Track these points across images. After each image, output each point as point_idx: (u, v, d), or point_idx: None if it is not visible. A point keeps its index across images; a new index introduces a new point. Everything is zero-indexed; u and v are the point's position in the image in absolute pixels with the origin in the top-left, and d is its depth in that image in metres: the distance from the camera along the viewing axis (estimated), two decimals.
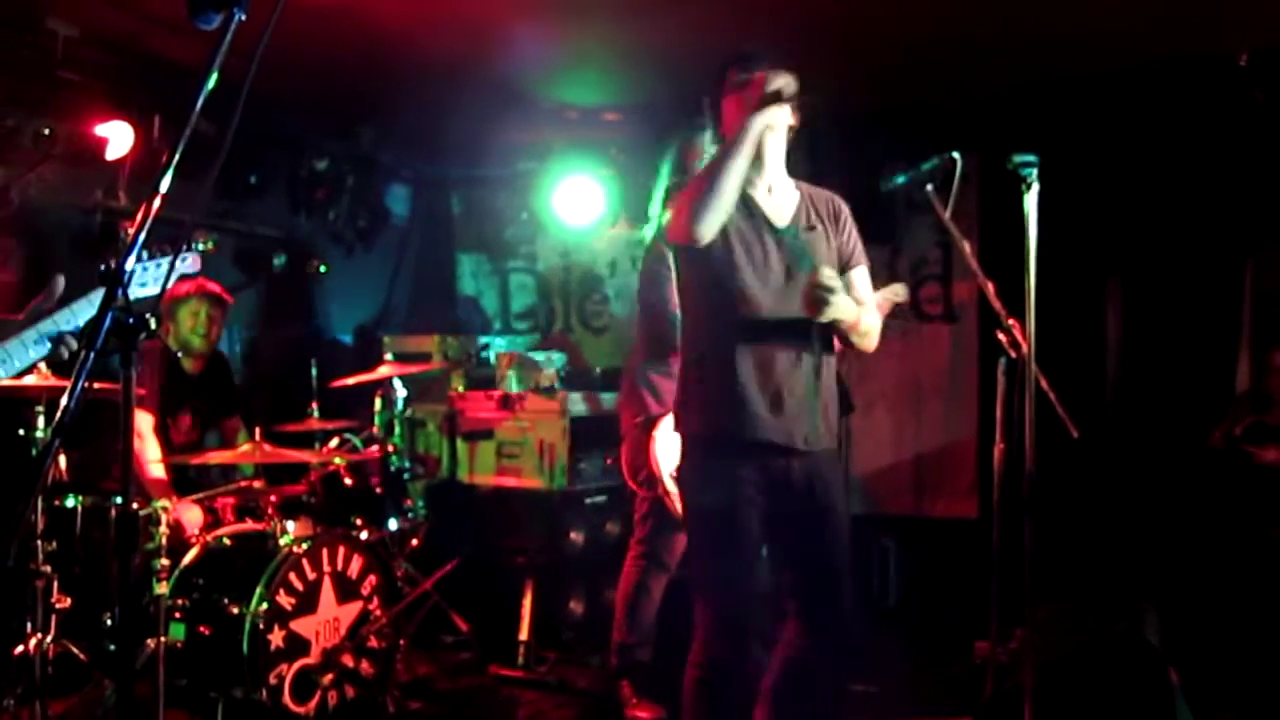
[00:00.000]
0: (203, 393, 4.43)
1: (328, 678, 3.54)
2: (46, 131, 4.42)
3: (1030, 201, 2.72)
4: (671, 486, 3.63)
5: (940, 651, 4.37)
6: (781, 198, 2.79)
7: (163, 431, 4.21)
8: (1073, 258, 2.96)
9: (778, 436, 2.68)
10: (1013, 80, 4.67)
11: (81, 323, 1.97)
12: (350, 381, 4.70)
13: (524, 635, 4.51)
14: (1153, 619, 3.92)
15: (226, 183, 5.21)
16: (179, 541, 3.68)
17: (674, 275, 3.28)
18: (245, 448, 3.91)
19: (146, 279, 2.07)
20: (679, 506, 3.65)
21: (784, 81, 2.58)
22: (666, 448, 3.65)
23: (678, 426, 2.86)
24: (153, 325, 1.62)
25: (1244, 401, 4.71)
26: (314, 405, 4.49)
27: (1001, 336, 3.55)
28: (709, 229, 2.59)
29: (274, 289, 5.80)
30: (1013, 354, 3.53)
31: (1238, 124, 4.52)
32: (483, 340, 5.67)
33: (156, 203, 1.69)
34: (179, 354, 4.33)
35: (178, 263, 2.10)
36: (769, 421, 2.68)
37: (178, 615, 3.49)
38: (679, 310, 3.70)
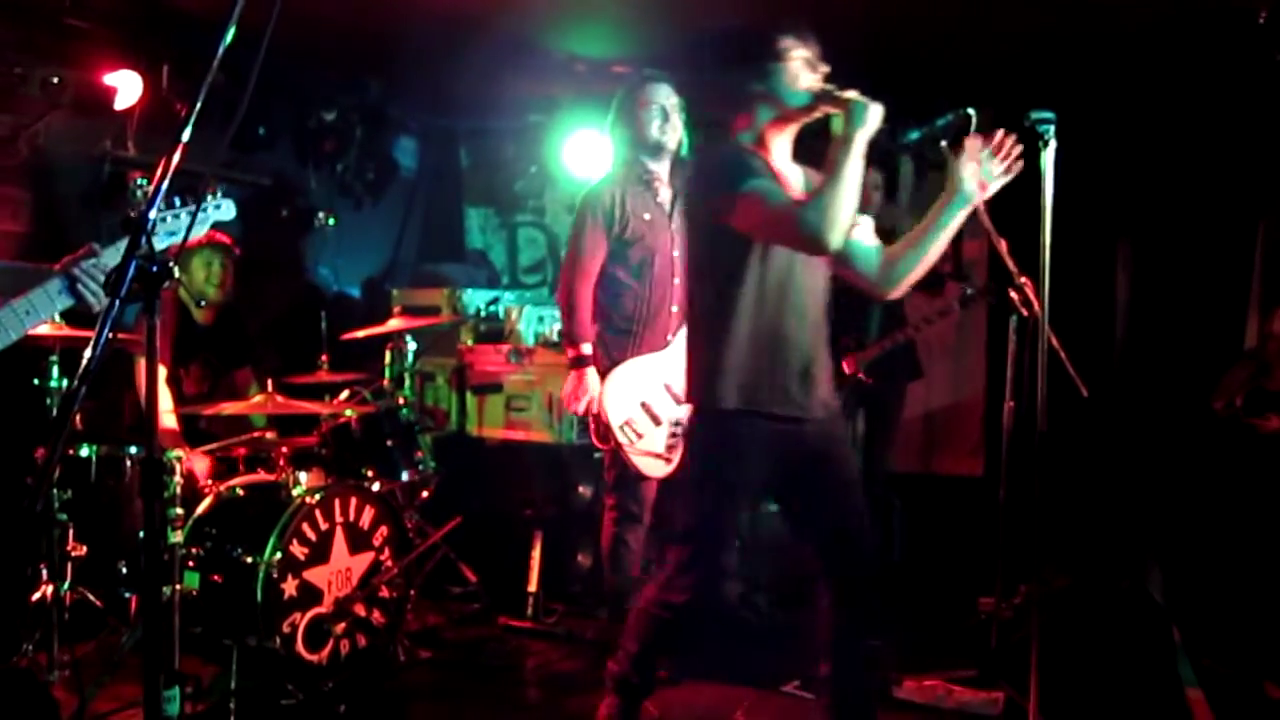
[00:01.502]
0: (213, 344, 4.45)
1: (340, 626, 3.59)
2: (55, 80, 4.40)
3: (1047, 159, 2.70)
4: (622, 438, 3.67)
5: (945, 607, 4.42)
6: (793, 179, 2.82)
7: (174, 382, 4.24)
8: (1083, 218, 2.95)
9: (805, 411, 2.75)
10: (1025, 38, 4.63)
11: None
12: (360, 334, 4.71)
13: (532, 587, 4.55)
14: (1156, 577, 3.96)
15: (235, 134, 5.18)
16: (191, 491, 3.71)
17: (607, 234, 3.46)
18: (257, 399, 3.93)
19: (175, 226, 2.08)
20: (635, 460, 3.69)
21: (877, 107, 2.56)
22: (615, 399, 3.69)
23: (698, 397, 2.84)
24: (176, 273, 1.64)
25: (1241, 367, 4.70)
26: (324, 358, 4.50)
27: (1013, 295, 3.56)
28: (841, 239, 2.55)
29: (282, 241, 5.80)
30: (1024, 312, 3.54)
31: (1254, 84, 4.48)
32: (491, 294, 5.67)
33: (177, 154, 1.70)
34: (191, 305, 4.35)
35: (210, 210, 2.09)
36: (800, 397, 2.74)
37: (191, 564, 3.53)
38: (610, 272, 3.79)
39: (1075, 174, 2.72)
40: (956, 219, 2.70)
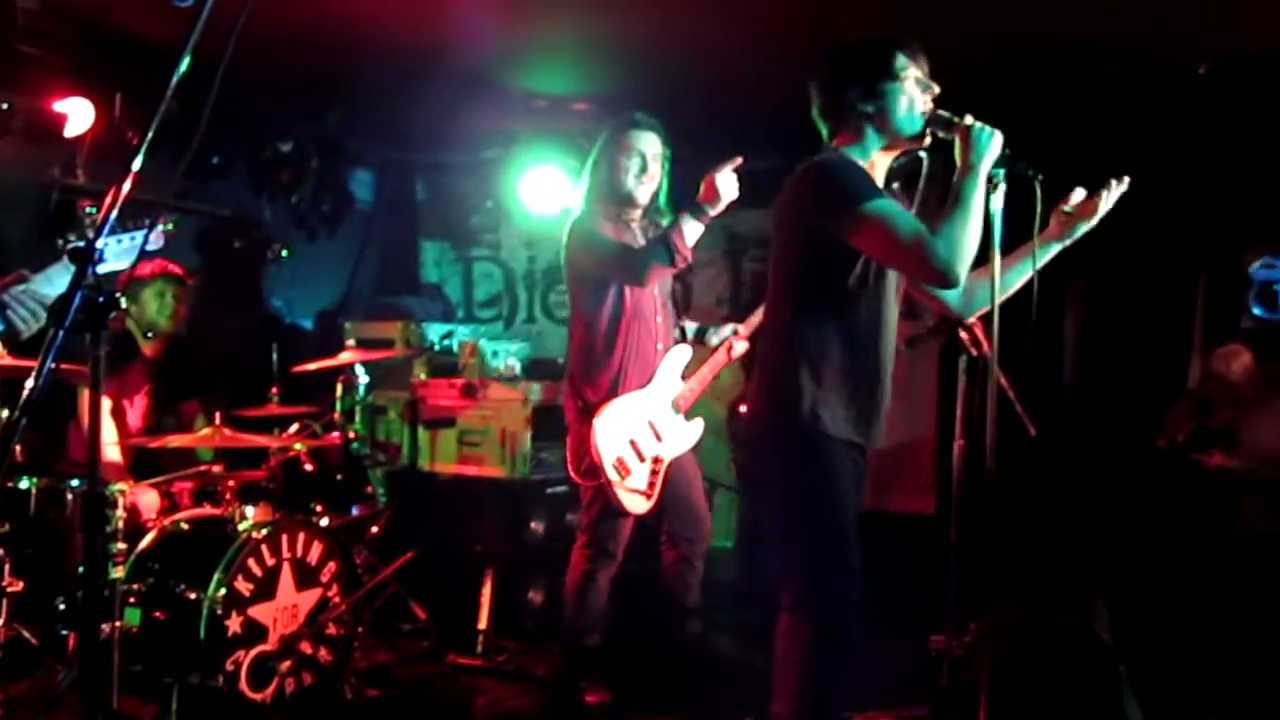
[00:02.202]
0: (161, 376, 4.38)
1: (285, 664, 3.52)
2: (4, 105, 4.34)
3: (996, 202, 2.75)
4: (614, 475, 3.65)
5: (896, 645, 4.42)
6: None
7: (118, 414, 4.16)
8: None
9: (878, 442, 2.74)
10: (977, 84, 4.72)
11: (46, 291, 1.95)
12: (312, 367, 4.67)
13: (483, 624, 4.50)
14: (1103, 614, 4.00)
15: (189, 163, 5.14)
16: (135, 525, 3.63)
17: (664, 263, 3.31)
18: (204, 432, 3.87)
19: (118, 254, 2.05)
20: (621, 497, 3.67)
21: (997, 133, 2.52)
22: (607, 436, 3.67)
23: (792, 413, 2.67)
24: (123, 304, 1.61)
25: (1184, 405, 4.81)
26: (275, 390, 4.45)
27: (963, 334, 3.60)
28: (967, 272, 2.51)
29: (235, 272, 5.74)
30: (974, 352, 3.58)
31: (1197, 133, 4.61)
32: (446, 328, 5.65)
33: (128, 183, 1.68)
34: (139, 336, 4.29)
35: (151, 237, 2.07)
36: (879, 429, 2.73)
37: (133, 600, 3.45)
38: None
39: (1026, 217, 2.76)
40: (975, 190, 2.53)
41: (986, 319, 2.87)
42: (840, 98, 2.65)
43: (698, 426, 3.91)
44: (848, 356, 2.64)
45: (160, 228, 2.47)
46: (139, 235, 2.06)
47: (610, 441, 3.66)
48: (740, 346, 3.97)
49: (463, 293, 6.74)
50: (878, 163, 2.73)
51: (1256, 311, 5.16)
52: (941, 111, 2.60)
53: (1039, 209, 2.68)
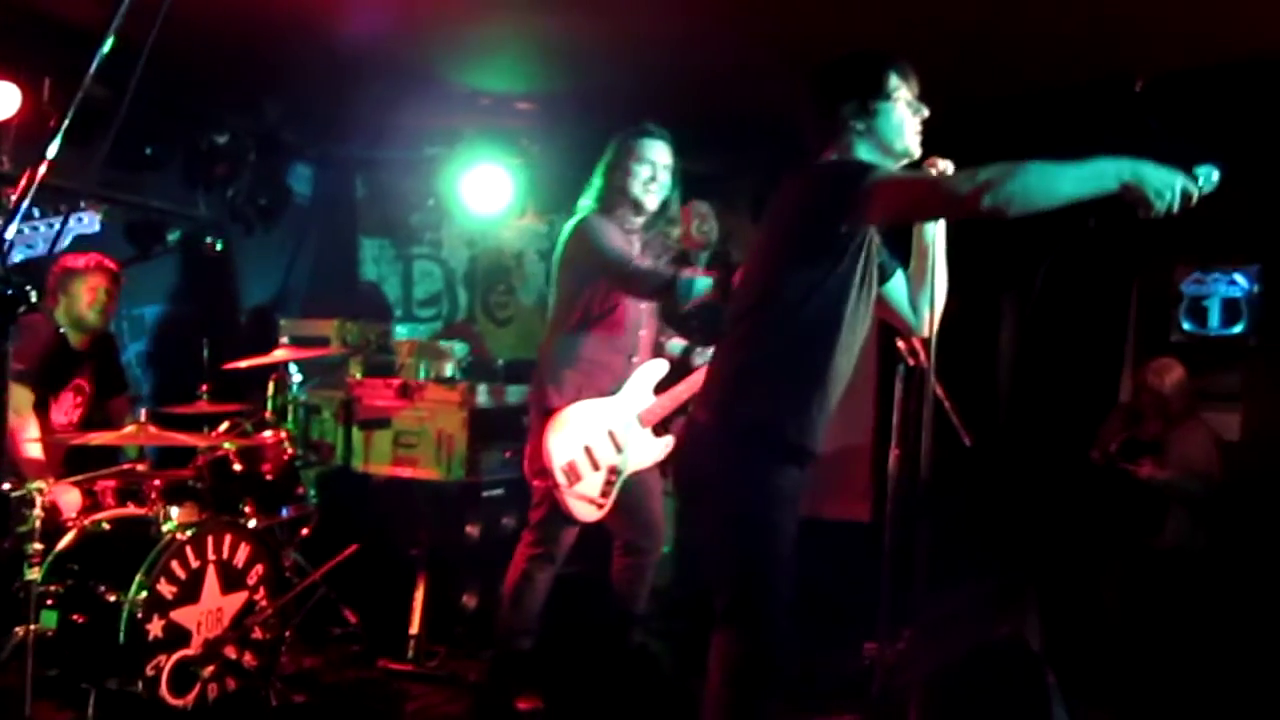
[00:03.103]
0: (88, 371, 4.25)
1: (209, 669, 3.43)
2: None
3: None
4: (562, 479, 3.61)
5: (829, 651, 4.44)
6: None
7: (42, 409, 4.03)
8: (968, 272, 3.02)
9: (816, 455, 2.65)
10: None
11: None
12: (244, 364, 4.56)
13: (414, 629, 4.44)
14: (1033, 622, 4.05)
15: (121, 152, 5.00)
16: (55, 525, 3.51)
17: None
18: (130, 429, 3.76)
19: (36, 240, 1.96)
20: (569, 503, 3.64)
21: None
22: (561, 440, 3.63)
23: (737, 420, 2.61)
24: (34, 298, 1.54)
25: (1116, 416, 4.90)
26: (205, 387, 4.34)
27: (900, 345, 3.64)
28: (1013, 214, 2.35)
29: (167, 266, 5.60)
30: (910, 362, 3.62)
31: (1132, 148, 4.68)
32: (383, 327, 5.56)
33: (43, 169, 1.61)
34: (66, 329, 4.16)
35: (72, 222, 1.98)
36: (820, 441, 2.63)
37: (50, 602, 3.33)
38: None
39: (962, 229, 2.78)
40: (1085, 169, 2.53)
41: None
42: (832, 113, 2.63)
43: (667, 442, 3.85)
44: (809, 364, 2.57)
45: (86, 216, 2.38)
46: (57, 222, 1.97)
47: (563, 445, 3.63)
48: None
49: (402, 291, 6.65)
50: None
51: (1186, 326, 5.28)
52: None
53: None
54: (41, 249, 1.97)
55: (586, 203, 3.76)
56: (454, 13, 4.22)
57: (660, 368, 3.85)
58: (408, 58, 4.73)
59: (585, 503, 3.67)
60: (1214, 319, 5.23)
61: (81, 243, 2.28)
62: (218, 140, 5.56)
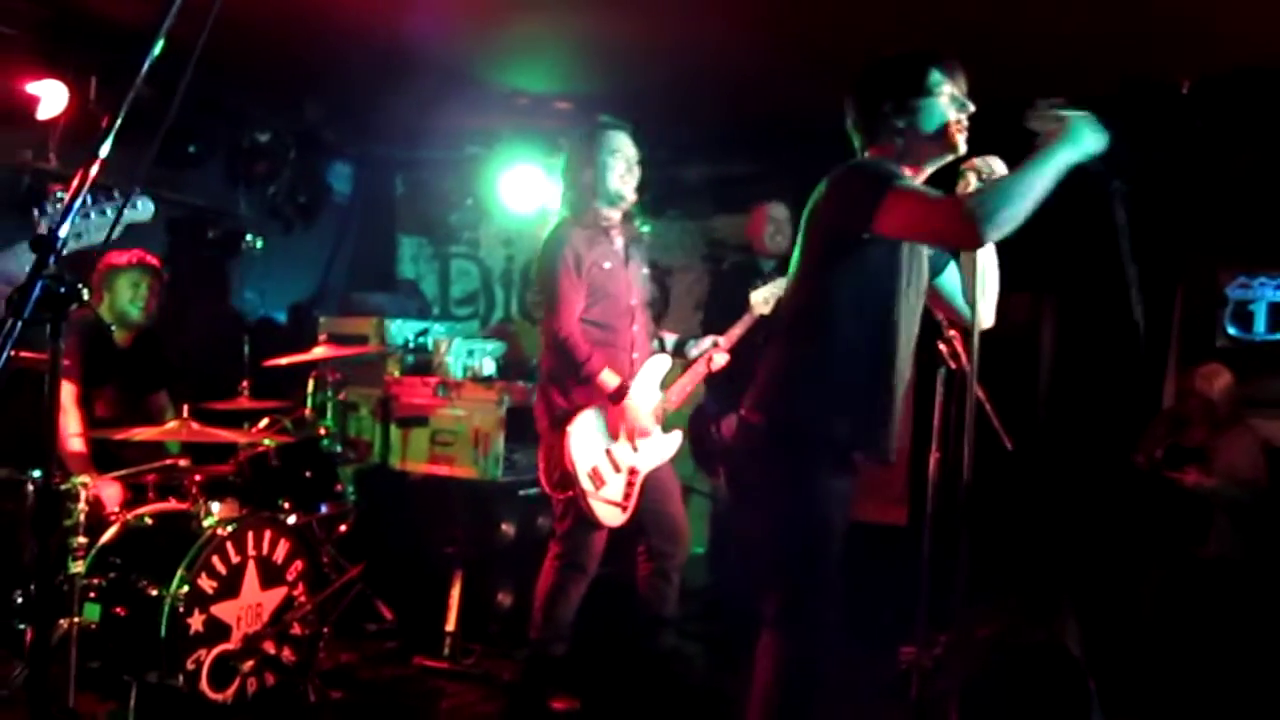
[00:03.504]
0: (130, 367, 4.30)
1: (248, 664, 3.46)
2: None
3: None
4: (588, 485, 3.60)
5: (867, 656, 4.41)
6: None
7: (86, 404, 4.08)
8: (1011, 274, 2.99)
9: (890, 457, 2.65)
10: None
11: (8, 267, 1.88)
12: (284, 361, 4.60)
13: (450, 626, 4.45)
14: (1074, 628, 4.00)
15: (164, 150, 5.06)
16: (98, 519, 3.55)
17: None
18: (172, 425, 3.80)
19: (88, 229, 1.97)
20: (595, 509, 3.63)
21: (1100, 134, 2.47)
22: (582, 445, 3.62)
23: (788, 421, 2.59)
24: (85, 295, 1.56)
25: (1160, 422, 4.82)
26: (245, 384, 4.38)
27: (942, 347, 3.59)
28: (997, 236, 2.36)
29: (208, 262, 5.66)
30: (952, 365, 3.57)
31: (1177, 151, 4.62)
32: (421, 325, 5.59)
33: (95, 168, 1.63)
34: (111, 325, 4.21)
35: (126, 210, 1.99)
36: (889, 443, 2.63)
37: (93, 595, 3.37)
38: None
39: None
40: (1041, 165, 2.38)
41: (966, 332, 2.85)
42: (874, 111, 2.61)
43: (676, 438, 3.86)
44: (860, 366, 2.56)
45: (139, 202, 2.37)
46: (110, 209, 1.98)
47: (585, 452, 3.62)
48: (720, 359, 3.93)
49: (439, 289, 6.68)
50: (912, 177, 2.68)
51: (1231, 331, 5.19)
52: (1046, 100, 2.52)
53: None
54: (96, 238, 1.98)
55: (561, 211, 3.77)
56: (492, 14, 4.23)
57: (664, 363, 3.85)
58: (447, 58, 4.75)
59: (610, 506, 3.67)
60: (1260, 324, 5.14)
61: (131, 234, 2.29)
62: (259, 138, 5.62)
